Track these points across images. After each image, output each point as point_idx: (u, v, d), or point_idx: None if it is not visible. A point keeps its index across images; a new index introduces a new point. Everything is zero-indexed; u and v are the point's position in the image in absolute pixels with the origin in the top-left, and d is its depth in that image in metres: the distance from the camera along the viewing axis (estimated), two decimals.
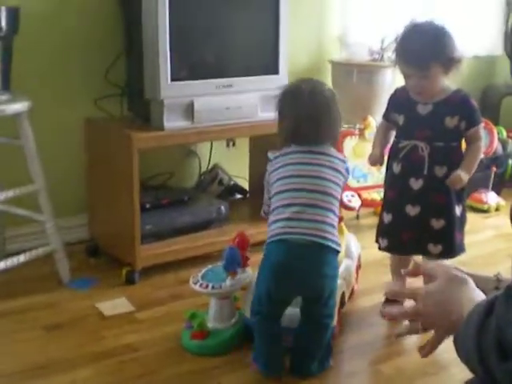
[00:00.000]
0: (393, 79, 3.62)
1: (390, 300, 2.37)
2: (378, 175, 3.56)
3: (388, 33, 3.64)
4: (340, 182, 2.19)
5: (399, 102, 2.52)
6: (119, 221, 2.84)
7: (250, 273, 2.35)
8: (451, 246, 2.51)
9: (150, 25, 2.67)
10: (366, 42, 3.68)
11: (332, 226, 2.11)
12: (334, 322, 2.26)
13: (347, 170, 2.25)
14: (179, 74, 2.73)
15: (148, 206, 2.89)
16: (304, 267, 2.06)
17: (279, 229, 2.08)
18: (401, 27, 2.45)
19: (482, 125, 2.51)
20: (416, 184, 2.47)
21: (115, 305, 2.59)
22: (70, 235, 3.03)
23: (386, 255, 2.68)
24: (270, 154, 2.26)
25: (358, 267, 2.82)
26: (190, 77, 2.78)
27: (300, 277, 2.07)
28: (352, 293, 2.71)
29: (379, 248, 2.61)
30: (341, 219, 2.54)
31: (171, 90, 2.72)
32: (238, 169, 3.51)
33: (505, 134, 4.08)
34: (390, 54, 3.57)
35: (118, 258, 2.89)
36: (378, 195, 3.55)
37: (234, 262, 2.28)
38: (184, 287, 2.66)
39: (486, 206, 3.78)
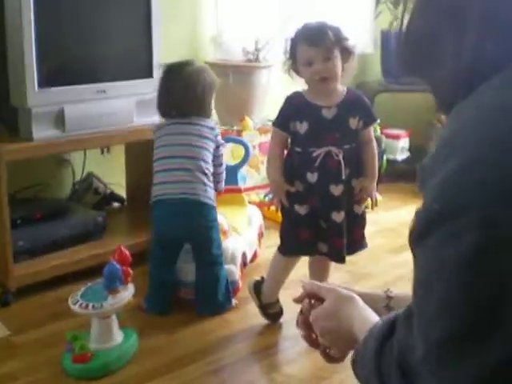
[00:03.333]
0: (268, 80, 3.60)
1: None
2: (258, 176, 3.53)
3: (262, 33, 3.62)
4: (209, 146, 2.58)
5: (298, 109, 2.39)
6: None
7: (133, 289, 2.25)
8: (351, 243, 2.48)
9: (14, 26, 2.50)
10: (240, 43, 3.63)
11: (202, 183, 2.52)
12: (237, 276, 2.68)
13: (217, 135, 2.64)
14: (47, 80, 2.57)
15: (19, 221, 2.71)
16: (178, 219, 2.50)
17: (156, 191, 2.54)
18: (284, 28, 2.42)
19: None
20: (337, 190, 2.38)
21: None
22: None
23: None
24: (153, 126, 2.67)
25: (260, 235, 3.14)
26: (59, 83, 2.62)
27: (176, 227, 2.51)
28: (255, 256, 3.02)
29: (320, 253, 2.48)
30: (239, 190, 3.10)
31: (39, 98, 2.56)
32: (114, 176, 3.37)
33: (379, 130, 4.14)
34: (264, 55, 3.58)
35: None
36: (256, 197, 3.51)
37: (115, 278, 2.18)
38: (64, 306, 2.48)
39: None
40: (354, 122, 2.39)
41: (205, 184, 2.53)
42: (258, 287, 2.55)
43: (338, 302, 1.21)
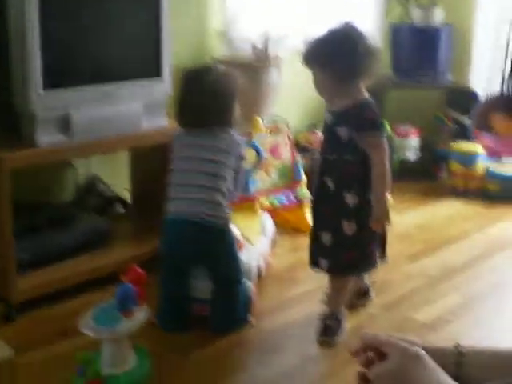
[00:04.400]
0: (279, 77, 3.45)
1: None
2: (269, 180, 3.39)
3: (271, 28, 3.47)
4: (231, 162, 2.38)
5: None
6: None
7: (147, 310, 2.11)
8: (337, 263, 2.39)
9: (17, 25, 2.33)
10: (249, 38, 3.47)
11: (219, 204, 2.33)
12: (251, 291, 2.51)
13: (241, 149, 2.44)
14: (52, 82, 2.41)
15: (22, 230, 2.57)
16: (190, 243, 2.34)
17: (172, 207, 2.37)
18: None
19: (379, 134, 2.30)
20: (312, 195, 2.52)
21: None
22: None
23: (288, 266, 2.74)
24: (174, 135, 2.49)
25: (273, 243, 3.03)
26: (64, 85, 2.46)
27: (188, 251, 2.35)
28: (268, 266, 2.87)
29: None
30: (254, 199, 2.97)
31: (44, 101, 2.40)
32: (117, 178, 3.22)
33: (389, 129, 4.01)
34: (274, 51, 3.44)
35: None
36: (267, 202, 3.36)
37: (129, 300, 2.03)
38: (70, 322, 2.36)
39: None
40: (342, 132, 2.29)
41: (221, 205, 2.34)
42: None
43: (405, 362, 1.08)
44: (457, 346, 1.18)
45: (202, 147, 2.38)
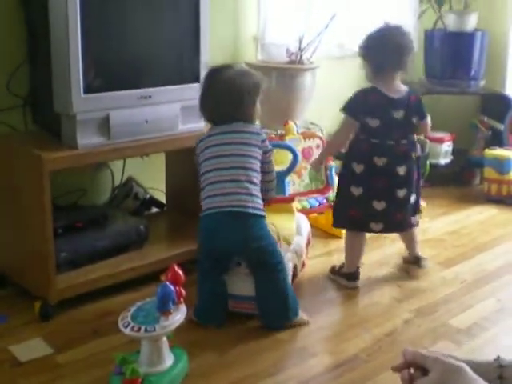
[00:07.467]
0: (313, 82, 3.47)
1: None
2: (300, 183, 3.41)
3: (305, 33, 3.49)
4: (256, 154, 2.50)
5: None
6: (29, 248, 2.55)
7: (185, 310, 2.14)
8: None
9: (59, 30, 2.38)
10: (284, 42, 3.50)
11: (251, 195, 2.44)
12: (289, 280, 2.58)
13: (264, 140, 2.55)
14: (93, 85, 2.46)
15: (60, 230, 2.61)
16: (226, 232, 2.41)
17: (207, 204, 2.44)
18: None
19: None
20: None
21: (30, 347, 2.31)
22: None
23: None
24: (196, 140, 2.58)
25: (308, 243, 2.99)
26: (104, 88, 2.51)
27: (224, 240, 2.42)
28: (303, 266, 2.91)
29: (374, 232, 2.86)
30: (291, 200, 2.98)
31: (84, 104, 2.44)
32: (153, 180, 3.26)
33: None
34: (308, 56, 3.46)
35: (28, 289, 2.60)
36: (299, 204, 3.37)
37: (169, 300, 2.06)
38: (107, 320, 2.45)
39: None
40: None
41: (252, 195, 2.43)
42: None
43: (447, 375, 1.09)
44: (497, 360, 1.19)
45: (228, 144, 2.48)
